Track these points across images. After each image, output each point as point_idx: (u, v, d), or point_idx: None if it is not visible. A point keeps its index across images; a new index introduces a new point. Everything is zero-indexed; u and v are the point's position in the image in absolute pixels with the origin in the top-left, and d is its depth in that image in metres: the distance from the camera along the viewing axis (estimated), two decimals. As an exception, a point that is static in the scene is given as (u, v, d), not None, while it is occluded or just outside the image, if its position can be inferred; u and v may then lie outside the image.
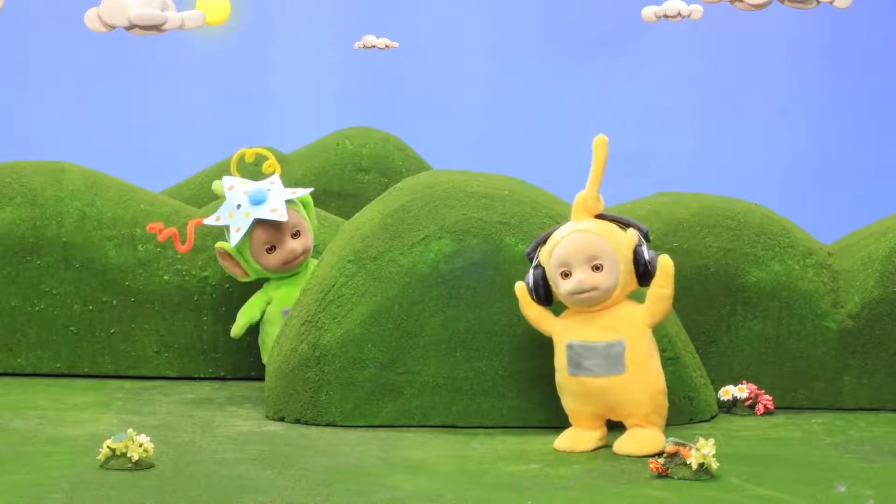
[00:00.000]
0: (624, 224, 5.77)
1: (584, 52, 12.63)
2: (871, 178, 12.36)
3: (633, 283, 5.73)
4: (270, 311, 7.04)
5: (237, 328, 7.04)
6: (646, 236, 5.75)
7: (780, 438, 6.05)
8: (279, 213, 6.91)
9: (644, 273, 5.68)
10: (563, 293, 5.70)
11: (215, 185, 7.16)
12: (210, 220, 7.07)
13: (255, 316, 7.06)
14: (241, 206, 6.96)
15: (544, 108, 12.70)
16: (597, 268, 5.64)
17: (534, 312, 5.86)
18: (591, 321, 5.71)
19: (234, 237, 6.93)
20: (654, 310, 5.71)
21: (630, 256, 5.67)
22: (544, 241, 5.81)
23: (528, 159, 11.45)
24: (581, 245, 5.66)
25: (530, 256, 5.86)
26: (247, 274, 7.09)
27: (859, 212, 8.44)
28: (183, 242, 7.07)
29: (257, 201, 6.94)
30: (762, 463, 5.50)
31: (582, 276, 5.64)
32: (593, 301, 5.68)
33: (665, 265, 5.67)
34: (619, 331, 5.67)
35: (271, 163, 7.34)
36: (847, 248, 7.02)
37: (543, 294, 5.78)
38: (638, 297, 5.81)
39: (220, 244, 7.01)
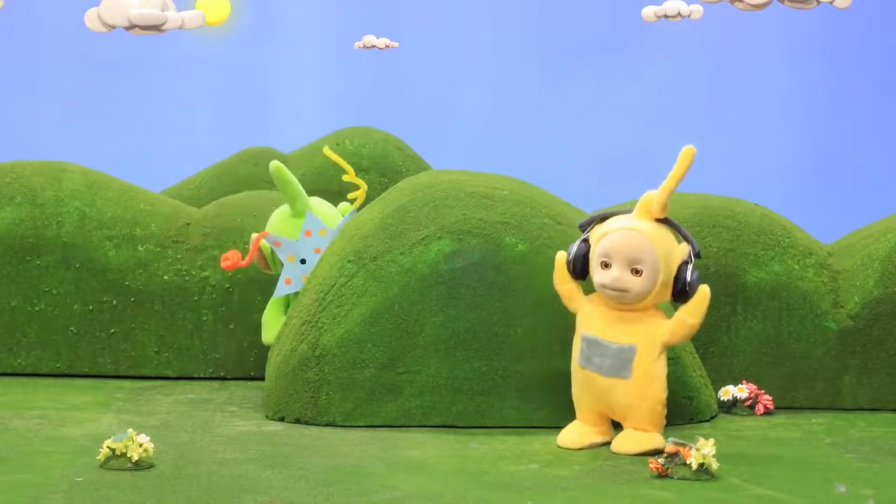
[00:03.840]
0: (682, 236, 5.74)
1: (584, 53, 12.65)
2: (871, 178, 12.37)
3: (666, 295, 5.71)
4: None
5: (269, 336, 6.97)
6: (697, 255, 5.70)
7: (780, 438, 6.05)
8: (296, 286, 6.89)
9: (681, 291, 5.65)
10: (597, 281, 5.72)
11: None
12: (269, 240, 6.98)
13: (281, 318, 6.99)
14: (305, 262, 6.91)
15: (544, 109, 12.71)
16: (636, 271, 5.62)
17: (566, 288, 5.86)
18: (612, 319, 5.71)
19: (282, 288, 6.91)
20: (675, 332, 5.68)
21: (674, 271, 5.65)
22: (602, 220, 5.81)
23: (528, 159, 11.47)
24: (629, 244, 5.63)
25: (583, 228, 5.86)
26: (270, 269, 7.09)
27: (859, 212, 8.45)
28: (243, 258, 7.00)
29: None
30: (762, 463, 5.50)
31: (618, 275, 5.63)
32: (622, 300, 5.67)
33: (702, 294, 5.64)
34: (635, 337, 5.67)
35: (359, 195, 7.23)
36: (847, 248, 7.02)
37: (579, 268, 5.79)
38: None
39: (262, 245, 6.96)
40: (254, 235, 7.00)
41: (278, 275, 7.04)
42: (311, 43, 12.78)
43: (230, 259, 6.90)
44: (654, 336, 5.67)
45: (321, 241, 6.89)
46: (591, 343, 5.73)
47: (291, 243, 6.92)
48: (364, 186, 7.22)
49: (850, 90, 12.49)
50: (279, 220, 7.07)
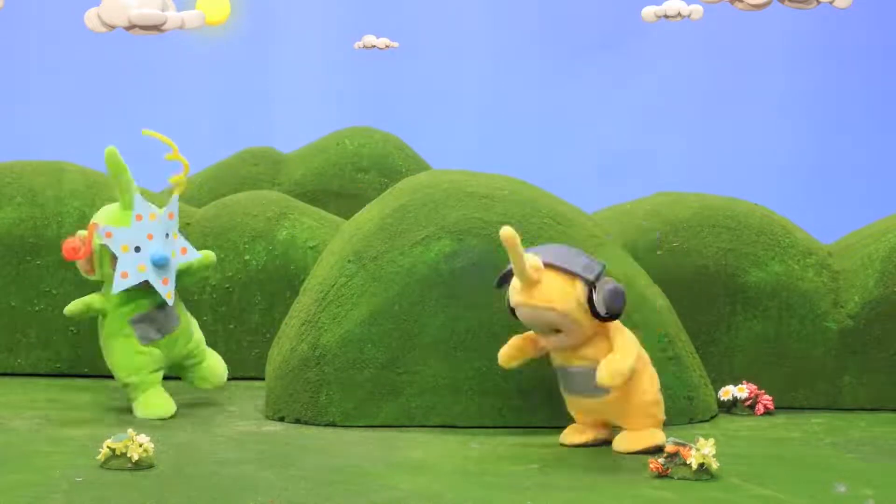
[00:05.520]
0: (570, 273, 5.54)
1: (584, 53, 12.65)
2: (871, 178, 12.37)
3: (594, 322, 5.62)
4: (116, 324, 6.42)
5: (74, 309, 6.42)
6: (597, 276, 5.53)
7: (780, 438, 6.05)
8: (169, 293, 6.34)
9: (596, 314, 5.52)
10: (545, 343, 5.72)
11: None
12: (100, 232, 6.30)
13: (94, 303, 6.40)
14: (139, 250, 6.28)
15: (544, 108, 12.72)
16: (556, 331, 5.60)
17: (523, 341, 5.77)
18: (574, 350, 5.66)
19: (119, 283, 6.25)
20: (613, 343, 5.59)
21: (585, 305, 5.52)
22: (508, 280, 5.66)
23: (528, 159, 11.47)
24: (534, 319, 5.60)
25: (500, 286, 5.74)
26: (93, 272, 6.42)
27: (859, 212, 8.45)
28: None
29: (158, 264, 6.28)
30: (762, 463, 5.50)
31: (547, 340, 5.63)
32: (567, 348, 5.66)
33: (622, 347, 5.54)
34: (597, 359, 5.57)
35: (180, 181, 6.58)
36: (847, 248, 7.02)
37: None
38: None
39: (105, 229, 6.30)
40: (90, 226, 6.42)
41: (100, 281, 6.43)
42: (311, 43, 12.78)
43: (74, 248, 6.35)
44: (609, 348, 5.58)
45: (153, 227, 6.32)
46: (563, 372, 5.75)
47: (124, 231, 6.28)
48: (186, 168, 6.60)
49: (850, 90, 12.49)
50: (108, 213, 6.45)
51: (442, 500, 4.84)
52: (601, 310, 5.49)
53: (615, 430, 5.80)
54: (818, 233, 7.28)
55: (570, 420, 5.90)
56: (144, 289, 6.33)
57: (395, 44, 12.48)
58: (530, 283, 5.50)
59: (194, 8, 8.42)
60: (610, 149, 12.46)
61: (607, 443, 5.76)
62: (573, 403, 5.81)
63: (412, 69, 12.69)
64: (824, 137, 12.52)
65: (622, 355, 5.49)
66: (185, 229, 7.53)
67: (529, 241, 6.21)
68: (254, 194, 8.00)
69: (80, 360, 7.37)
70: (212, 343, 7.38)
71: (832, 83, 12.50)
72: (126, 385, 6.41)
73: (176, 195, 6.50)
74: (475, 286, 6.14)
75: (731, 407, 6.56)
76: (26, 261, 7.37)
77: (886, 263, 6.69)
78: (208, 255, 6.66)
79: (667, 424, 5.83)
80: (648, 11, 10.37)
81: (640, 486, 5.07)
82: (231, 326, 7.34)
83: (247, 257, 7.41)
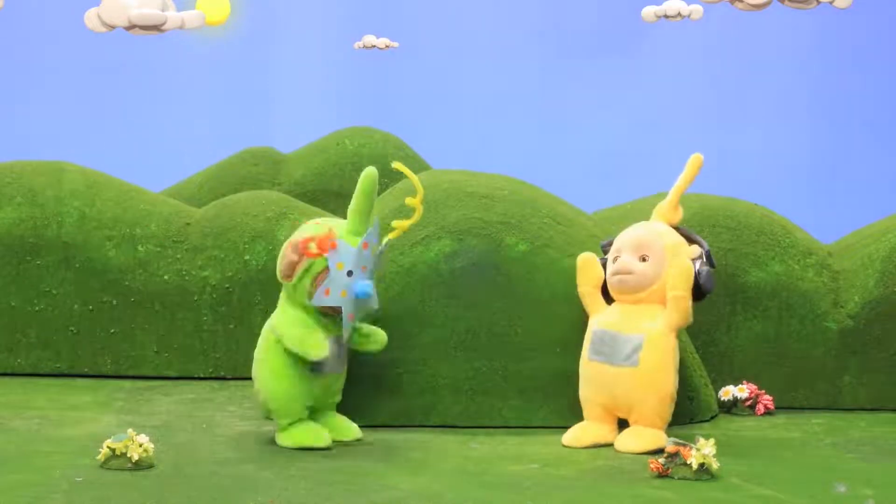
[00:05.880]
0: (691, 240, 6.00)
1: (584, 53, 12.65)
2: (871, 178, 12.37)
3: None
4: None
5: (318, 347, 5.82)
6: (709, 260, 5.93)
7: (780, 438, 6.05)
8: (349, 329, 5.77)
9: (694, 286, 5.83)
10: (608, 275, 5.93)
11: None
12: (332, 252, 5.72)
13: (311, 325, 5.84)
14: (351, 275, 5.71)
15: (544, 108, 12.72)
16: (643, 258, 5.84)
17: (586, 289, 6.02)
18: (623, 313, 5.85)
19: (320, 298, 5.71)
20: (670, 311, 5.81)
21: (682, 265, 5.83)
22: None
23: (529, 159, 11.47)
24: (635, 235, 5.94)
25: (605, 248, 6.12)
26: (291, 278, 5.83)
27: (859, 212, 8.45)
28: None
29: (361, 298, 5.71)
30: (762, 463, 5.50)
31: (625, 260, 5.85)
32: (626, 286, 5.84)
33: (683, 266, 5.81)
34: (642, 328, 5.77)
35: (402, 227, 5.93)
36: (847, 248, 7.02)
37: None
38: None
39: (333, 240, 5.78)
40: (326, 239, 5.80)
41: (295, 287, 5.82)
42: (311, 43, 12.78)
43: (327, 240, 5.79)
44: (659, 325, 5.79)
45: (370, 260, 5.80)
46: (600, 335, 5.84)
47: (349, 250, 5.73)
48: (419, 215, 5.96)
49: (849, 90, 12.49)
50: (337, 226, 5.93)
51: (442, 500, 4.83)
52: (697, 268, 5.85)
53: (619, 431, 5.81)
54: (818, 233, 7.28)
55: (571, 420, 5.90)
56: (329, 318, 5.82)
57: (395, 44, 12.49)
58: (675, 206, 6.06)
59: (194, 8, 8.42)
60: (610, 149, 12.46)
61: (610, 445, 5.77)
62: (594, 378, 5.82)
63: (412, 69, 12.69)
64: (824, 137, 12.52)
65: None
66: (186, 229, 7.54)
67: (529, 241, 6.21)
68: (254, 194, 8.00)
69: (80, 360, 7.37)
70: (212, 343, 7.40)
71: (832, 83, 12.51)
72: (270, 410, 5.90)
73: (389, 238, 5.97)
74: (475, 286, 6.14)
75: (732, 407, 6.56)
76: (26, 261, 7.37)
77: (886, 263, 6.69)
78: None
79: (668, 424, 5.82)
80: (648, 11, 10.38)
81: (640, 486, 5.07)
82: (231, 326, 7.33)
83: (247, 257, 7.41)
